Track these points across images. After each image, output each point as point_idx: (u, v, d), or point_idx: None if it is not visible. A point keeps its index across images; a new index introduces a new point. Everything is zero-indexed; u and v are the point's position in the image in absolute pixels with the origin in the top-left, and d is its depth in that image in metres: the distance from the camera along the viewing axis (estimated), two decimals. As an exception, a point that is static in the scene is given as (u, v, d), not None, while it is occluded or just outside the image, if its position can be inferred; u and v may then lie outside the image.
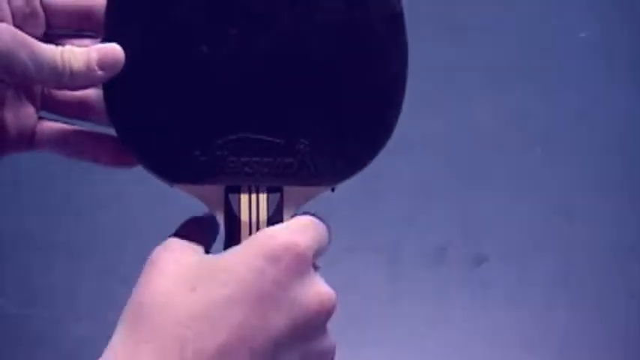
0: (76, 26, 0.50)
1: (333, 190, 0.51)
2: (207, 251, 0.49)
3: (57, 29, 0.50)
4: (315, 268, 0.49)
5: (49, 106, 0.52)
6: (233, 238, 0.49)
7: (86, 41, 0.51)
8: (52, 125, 0.52)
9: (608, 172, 1.19)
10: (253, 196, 0.49)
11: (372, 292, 1.08)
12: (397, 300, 1.08)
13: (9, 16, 0.47)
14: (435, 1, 1.29)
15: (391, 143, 0.51)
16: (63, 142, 0.51)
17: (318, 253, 0.48)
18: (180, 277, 0.46)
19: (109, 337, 0.46)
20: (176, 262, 0.47)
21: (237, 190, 0.49)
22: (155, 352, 0.43)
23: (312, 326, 0.47)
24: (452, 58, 1.24)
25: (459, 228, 1.14)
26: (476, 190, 1.16)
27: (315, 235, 0.48)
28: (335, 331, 0.50)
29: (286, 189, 0.50)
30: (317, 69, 0.50)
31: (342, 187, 0.51)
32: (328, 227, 0.50)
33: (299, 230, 0.47)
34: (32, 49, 0.46)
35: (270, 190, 0.49)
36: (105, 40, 0.49)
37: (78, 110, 0.52)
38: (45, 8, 0.49)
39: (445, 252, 1.12)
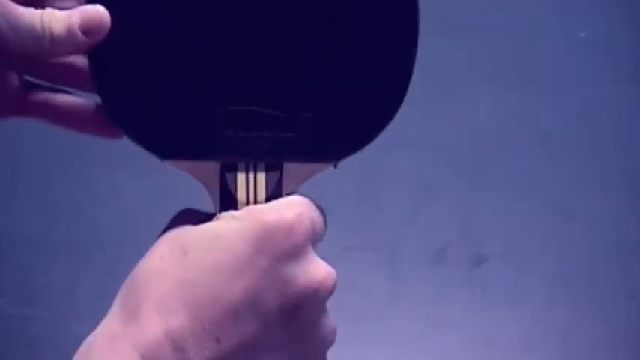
0: None
1: (335, 166, 0.47)
2: None
3: None
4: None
5: (32, 71, 0.49)
6: None
7: (70, 2, 0.47)
8: (39, 92, 0.48)
9: (608, 172, 1.18)
10: (251, 175, 0.46)
11: (371, 292, 1.08)
12: (397, 300, 1.08)
13: None
14: (434, 0, 1.29)
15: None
16: (49, 109, 0.48)
17: (316, 233, 0.45)
18: (174, 242, 0.44)
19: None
20: (173, 231, 0.45)
21: (234, 169, 0.46)
22: (141, 326, 0.42)
23: (309, 306, 0.44)
24: (452, 58, 1.24)
25: (459, 228, 1.14)
26: (476, 190, 1.16)
27: (314, 215, 0.45)
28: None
29: (286, 166, 0.46)
30: (322, 38, 0.46)
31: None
32: (322, 210, 0.47)
33: (298, 206, 0.45)
34: (9, 11, 0.43)
35: (268, 168, 0.46)
36: (89, 1, 0.45)
37: (62, 76, 0.49)
38: None
39: (445, 252, 1.12)
